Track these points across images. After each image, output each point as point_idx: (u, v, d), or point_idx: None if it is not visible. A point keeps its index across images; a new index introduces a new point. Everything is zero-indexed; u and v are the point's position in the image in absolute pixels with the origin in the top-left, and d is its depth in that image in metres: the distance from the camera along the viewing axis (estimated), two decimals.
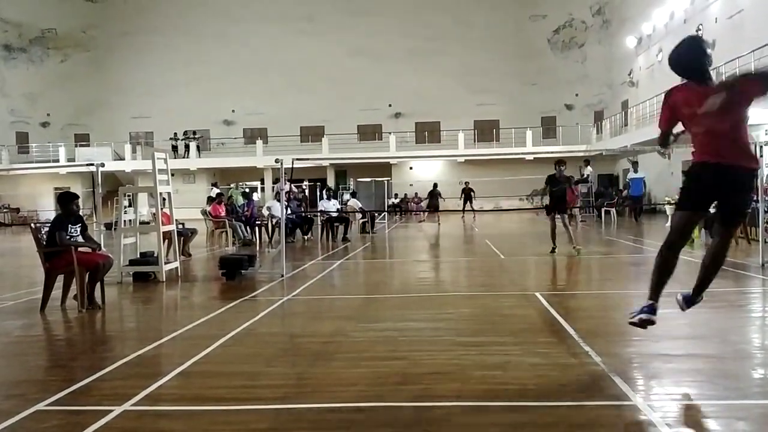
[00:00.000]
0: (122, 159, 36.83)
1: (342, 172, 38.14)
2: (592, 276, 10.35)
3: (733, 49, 20.44)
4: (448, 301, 7.61)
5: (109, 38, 40.61)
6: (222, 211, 16.79)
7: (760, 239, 10.00)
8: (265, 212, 17.89)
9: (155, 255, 10.04)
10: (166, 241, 11.13)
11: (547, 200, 12.88)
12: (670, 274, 4.65)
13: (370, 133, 39.21)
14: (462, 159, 35.25)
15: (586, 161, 25.97)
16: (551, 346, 5.17)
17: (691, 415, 3.60)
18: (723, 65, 20.54)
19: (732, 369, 4.48)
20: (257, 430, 3.52)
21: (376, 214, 22.93)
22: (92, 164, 10.80)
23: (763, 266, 9.34)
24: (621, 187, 33.19)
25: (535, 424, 3.49)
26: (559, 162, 12.52)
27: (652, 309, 4.58)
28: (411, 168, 38.23)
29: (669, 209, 20.07)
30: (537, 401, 3.85)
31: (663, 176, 27.90)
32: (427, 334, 5.86)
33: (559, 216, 12.40)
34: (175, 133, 37.18)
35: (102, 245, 8.30)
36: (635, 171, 20.94)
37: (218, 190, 21.47)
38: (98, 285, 7.65)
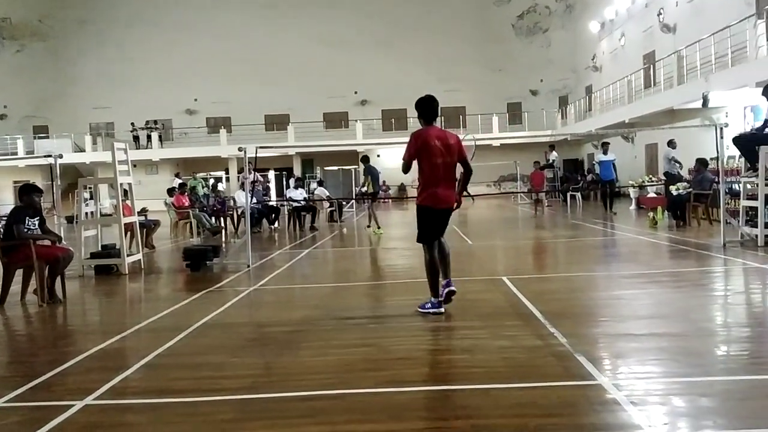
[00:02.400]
0: (83, 151, 36.11)
1: (309, 160, 37.90)
2: (558, 259, 10.45)
3: (693, 33, 20.73)
4: (417, 288, 7.56)
5: (67, 27, 39.66)
6: (186, 201, 16.56)
7: (722, 220, 10.19)
8: (233, 202, 17.75)
9: (117, 247, 9.86)
10: (128, 233, 10.94)
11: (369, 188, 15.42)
12: None
13: (336, 120, 39.01)
14: None
15: (551, 146, 26.21)
16: (518, 329, 5.19)
17: (656, 392, 3.64)
18: (684, 49, 20.86)
19: (695, 347, 4.55)
20: (223, 420, 3.47)
21: (344, 203, 22.82)
22: (50, 156, 10.55)
23: (725, 246, 9.52)
24: (585, 171, 33.60)
25: (503, 406, 3.50)
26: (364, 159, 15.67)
27: None
28: (378, 156, 38.10)
29: (633, 193, 20.40)
30: (504, 383, 3.86)
31: (626, 160, 28.32)
32: (396, 320, 5.84)
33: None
34: (133, 123, 36.54)
35: (62, 238, 8.12)
36: (605, 153, 18.62)
37: (180, 181, 21.16)
38: (58, 279, 7.48)
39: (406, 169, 5.84)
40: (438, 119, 5.97)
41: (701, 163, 13.84)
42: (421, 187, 5.86)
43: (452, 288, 5.81)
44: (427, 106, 5.84)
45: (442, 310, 5.79)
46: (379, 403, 3.64)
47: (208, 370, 4.43)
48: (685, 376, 3.91)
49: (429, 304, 5.86)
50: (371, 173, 15.51)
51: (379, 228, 15.19)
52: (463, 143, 5.99)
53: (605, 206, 18.72)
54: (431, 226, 5.87)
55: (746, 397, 3.53)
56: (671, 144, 15.95)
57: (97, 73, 39.26)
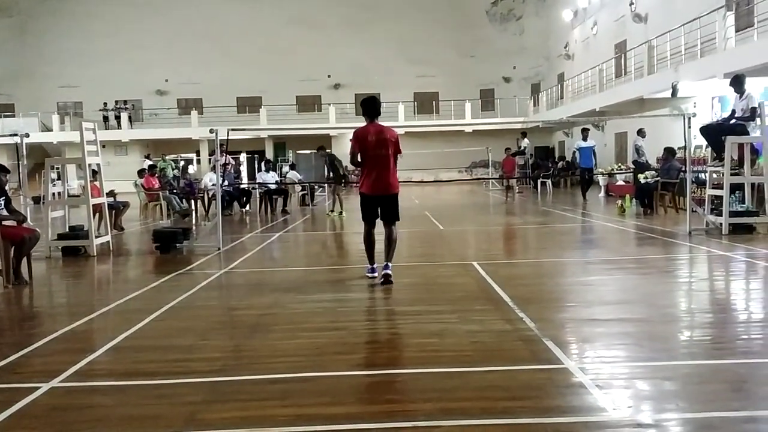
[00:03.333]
0: (50, 130, 35.42)
1: (281, 144, 37.62)
2: (528, 245, 10.55)
3: (664, 23, 20.95)
4: None
5: (33, 4, 38.64)
6: (156, 183, 16.36)
7: (687, 208, 10.37)
8: (204, 184, 17.60)
9: (85, 229, 9.72)
10: (97, 214, 10.79)
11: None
12: None
13: (309, 104, 38.72)
14: (402, 131, 35.14)
15: (523, 133, 26.33)
16: (487, 314, 5.25)
17: (621, 376, 3.71)
18: (654, 39, 21.08)
19: (659, 332, 4.64)
20: (192, 402, 3.45)
21: (316, 187, 22.72)
22: (16, 135, 10.34)
23: (690, 234, 9.70)
24: (557, 158, 33.91)
25: (470, 388, 3.54)
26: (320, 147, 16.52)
27: None
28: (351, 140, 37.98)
29: (602, 180, 20.65)
30: (472, 367, 3.91)
31: (597, 149, 28.54)
32: (366, 304, 5.87)
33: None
34: (105, 103, 35.93)
35: (29, 219, 7.98)
36: (584, 139, 18.04)
37: (151, 162, 20.89)
38: (24, 260, 7.36)
39: (352, 160, 6.70)
40: (379, 116, 6.86)
41: (669, 152, 14.04)
42: (360, 176, 6.82)
43: (388, 272, 6.58)
44: (369, 105, 6.76)
45: (376, 274, 6.75)
46: (349, 386, 3.66)
47: (177, 353, 4.41)
48: (649, 361, 3.99)
49: (367, 270, 6.91)
50: (331, 162, 16.31)
51: (341, 211, 15.52)
52: None
53: (584, 194, 18.13)
54: (367, 208, 6.79)
55: (708, 381, 3.61)
56: (640, 133, 16.15)
57: (65, 51, 38.37)
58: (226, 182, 15.94)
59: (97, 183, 10.57)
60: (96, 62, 38.04)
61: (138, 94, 38.52)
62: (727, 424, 3.01)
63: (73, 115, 37.14)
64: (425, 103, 37.43)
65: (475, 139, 33.25)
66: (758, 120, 9.79)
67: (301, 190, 21.16)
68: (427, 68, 38.52)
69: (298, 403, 3.40)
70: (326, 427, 3.06)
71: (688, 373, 3.74)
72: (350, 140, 6.80)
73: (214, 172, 16.74)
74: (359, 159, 6.65)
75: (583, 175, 18.56)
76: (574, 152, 18.19)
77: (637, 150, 15.69)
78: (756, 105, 9.69)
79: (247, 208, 17.88)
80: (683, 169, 12.40)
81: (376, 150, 6.55)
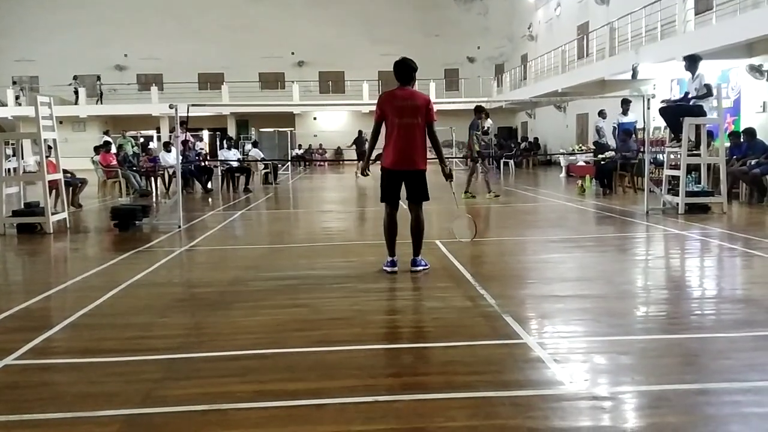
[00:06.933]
0: (4, 105, 34.40)
1: (244, 121, 37.14)
2: (490, 224, 10.63)
3: (626, 5, 21.15)
4: (352, 250, 7.62)
5: None
6: (112, 159, 16.03)
7: (645, 189, 10.56)
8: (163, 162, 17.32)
9: (41, 205, 9.50)
10: (54, 191, 10.55)
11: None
12: None
13: (272, 81, 38.24)
14: (366, 110, 35.04)
15: (486, 114, 26.40)
16: (449, 291, 5.29)
17: (578, 351, 3.78)
18: (616, 21, 21.29)
19: (616, 308, 4.73)
20: (150, 380, 3.41)
21: (280, 165, 22.55)
22: None
23: (648, 213, 9.89)
24: (519, 139, 34.14)
25: (431, 363, 3.58)
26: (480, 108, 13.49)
27: None
28: (315, 118, 37.73)
29: (563, 160, 20.90)
30: (433, 342, 3.94)
31: (558, 129, 28.91)
32: (329, 281, 5.85)
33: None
34: (75, 77, 35.01)
35: None
36: (624, 113, 14.60)
37: (108, 139, 20.47)
38: None
39: (375, 131, 5.95)
40: (412, 82, 6.20)
41: (626, 133, 14.42)
42: (384, 147, 5.97)
43: (418, 269, 5.96)
44: (400, 68, 6.08)
45: (396, 269, 5.96)
46: (309, 363, 3.65)
47: (136, 330, 4.35)
48: (606, 335, 4.07)
49: (386, 263, 6.05)
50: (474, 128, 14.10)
51: (490, 192, 13.92)
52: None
53: (632, 185, 14.00)
54: (389, 186, 6.02)
55: (662, 355, 3.71)
56: (601, 114, 16.35)
57: (19, 24, 37.11)
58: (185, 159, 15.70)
59: (53, 159, 10.32)
60: (53, 36, 36.93)
61: (96, 69, 37.53)
62: (681, 396, 3.09)
63: (29, 89, 36.07)
64: (389, 82, 36.97)
65: (439, 118, 33.07)
66: (715, 101, 9.99)
67: (264, 168, 20.99)
68: (392, 47, 38.05)
69: (258, 380, 3.39)
70: (286, 402, 3.05)
71: (643, 348, 3.83)
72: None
73: (166, 150, 16.53)
74: (382, 128, 5.94)
75: (625, 159, 14.16)
76: (614, 129, 14.96)
77: (598, 131, 15.88)
78: (708, 82, 9.90)
79: (209, 186, 17.66)
80: (641, 149, 12.59)
81: (403, 117, 5.77)
